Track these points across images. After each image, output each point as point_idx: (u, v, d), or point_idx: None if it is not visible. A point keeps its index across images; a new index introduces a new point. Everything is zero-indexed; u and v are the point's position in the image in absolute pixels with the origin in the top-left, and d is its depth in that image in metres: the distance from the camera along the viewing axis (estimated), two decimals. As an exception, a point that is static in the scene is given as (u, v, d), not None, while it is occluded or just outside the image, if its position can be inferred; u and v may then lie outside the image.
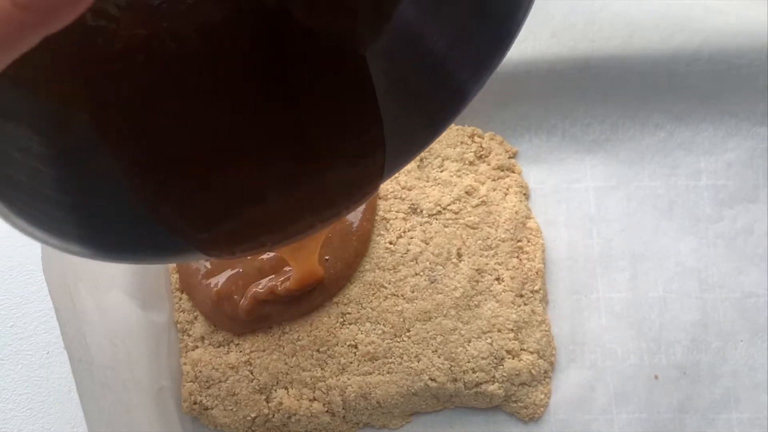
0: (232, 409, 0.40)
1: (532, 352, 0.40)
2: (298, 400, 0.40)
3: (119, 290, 0.39)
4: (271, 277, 0.41)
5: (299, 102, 0.22)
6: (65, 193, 0.21)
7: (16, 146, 0.20)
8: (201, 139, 0.21)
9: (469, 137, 0.45)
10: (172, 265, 0.43)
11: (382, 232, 0.42)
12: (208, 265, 0.42)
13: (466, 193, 0.43)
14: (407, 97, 0.23)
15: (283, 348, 0.40)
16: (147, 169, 0.21)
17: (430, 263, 0.41)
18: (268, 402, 0.40)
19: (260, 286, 0.40)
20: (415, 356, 0.40)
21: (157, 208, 0.22)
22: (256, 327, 0.41)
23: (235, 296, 0.40)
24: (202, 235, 0.23)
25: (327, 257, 0.41)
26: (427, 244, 0.42)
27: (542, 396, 0.41)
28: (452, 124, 0.45)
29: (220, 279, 0.41)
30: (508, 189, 0.44)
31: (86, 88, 0.19)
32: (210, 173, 0.22)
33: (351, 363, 0.40)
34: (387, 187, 0.43)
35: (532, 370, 0.40)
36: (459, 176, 0.44)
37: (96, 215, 0.22)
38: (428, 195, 0.43)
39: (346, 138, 0.23)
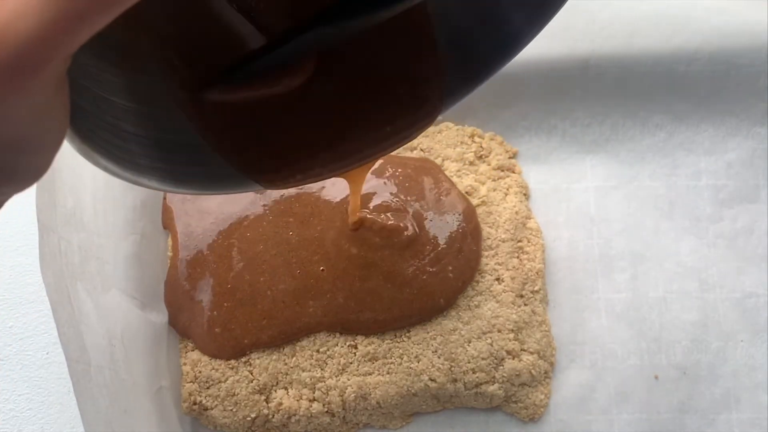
0: (231, 410, 0.40)
1: (532, 353, 0.40)
2: (297, 400, 0.40)
3: (118, 290, 0.39)
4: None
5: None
6: (138, 127, 0.23)
7: (94, 80, 0.21)
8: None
9: (469, 137, 0.45)
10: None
11: (381, 232, 0.42)
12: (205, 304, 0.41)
13: (467, 193, 0.43)
14: (461, 39, 0.24)
15: (283, 348, 0.40)
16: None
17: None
18: (267, 402, 0.40)
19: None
20: (415, 357, 0.40)
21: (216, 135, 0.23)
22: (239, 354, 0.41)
23: (216, 329, 0.40)
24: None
25: (322, 268, 0.41)
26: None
27: (542, 396, 0.41)
28: (452, 124, 0.46)
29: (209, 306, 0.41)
30: (508, 189, 0.44)
31: (148, 14, 0.20)
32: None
33: (351, 363, 0.40)
34: (387, 187, 0.43)
35: (532, 371, 0.40)
36: (459, 176, 0.44)
37: (166, 148, 0.24)
38: (428, 195, 0.43)
39: (406, 71, 0.24)
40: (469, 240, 0.41)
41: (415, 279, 0.40)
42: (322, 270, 0.41)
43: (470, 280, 0.41)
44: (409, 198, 0.42)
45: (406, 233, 0.40)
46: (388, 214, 0.41)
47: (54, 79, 0.16)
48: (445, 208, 0.42)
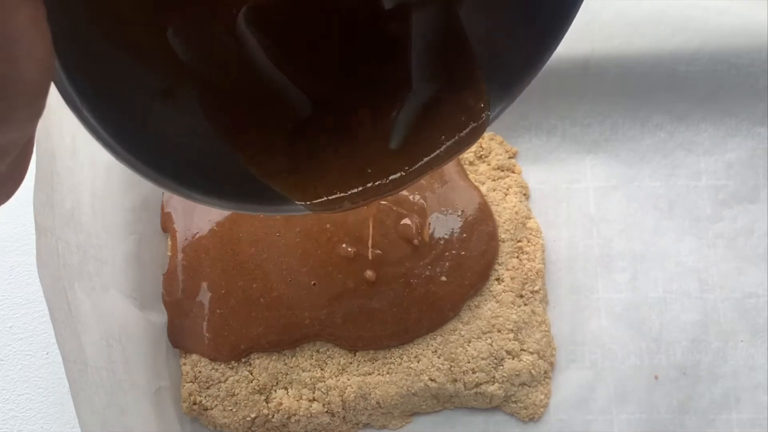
0: (231, 410, 0.40)
1: (532, 353, 0.40)
2: (297, 400, 0.40)
3: (117, 291, 0.39)
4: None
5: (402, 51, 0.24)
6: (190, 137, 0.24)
7: (150, 91, 0.22)
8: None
9: (469, 137, 0.45)
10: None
11: (381, 233, 0.42)
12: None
13: (466, 193, 0.43)
14: (496, 50, 0.26)
15: (283, 348, 0.40)
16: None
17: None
18: (267, 402, 0.40)
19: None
20: (415, 356, 0.40)
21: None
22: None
23: (208, 334, 0.40)
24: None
25: (314, 282, 0.40)
26: (426, 244, 0.42)
27: (542, 396, 0.41)
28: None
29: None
30: (508, 189, 0.44)
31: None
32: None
33: (350, 363, 0.40)
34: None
35: (532, 371, 0.40)
36: (459, 176, 0.44)
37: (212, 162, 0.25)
38: (428, 195, 0.43)
39: (448, 78, 0.25)
40: (494, 243, 0.41)
41: (425, 298, 0.40)
42: (314, 284, 0.40)
43: (482, 286, 0.40)
44: (423, 194, 0.41)
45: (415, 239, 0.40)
46: (402, 211, 0.40)
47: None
48: (466, 207, 0.41)
